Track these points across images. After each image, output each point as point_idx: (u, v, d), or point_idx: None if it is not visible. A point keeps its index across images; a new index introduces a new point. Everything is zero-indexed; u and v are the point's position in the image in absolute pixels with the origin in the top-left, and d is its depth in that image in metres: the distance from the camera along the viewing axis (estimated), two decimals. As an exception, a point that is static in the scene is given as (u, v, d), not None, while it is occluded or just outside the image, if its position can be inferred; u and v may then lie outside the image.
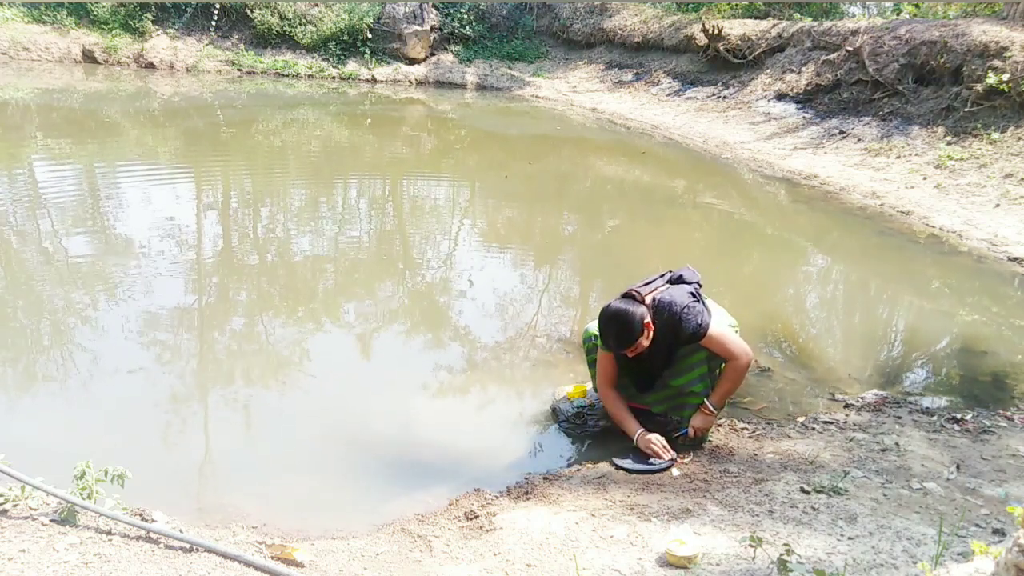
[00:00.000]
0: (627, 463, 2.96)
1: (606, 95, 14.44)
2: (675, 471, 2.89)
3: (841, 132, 9.90)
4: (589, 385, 3.44)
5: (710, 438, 3.13)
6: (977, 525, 2.45)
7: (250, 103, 12.69)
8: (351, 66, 15.73)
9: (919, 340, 4.76)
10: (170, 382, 3.58)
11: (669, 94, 13.62)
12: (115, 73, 14.27)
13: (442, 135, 11.59)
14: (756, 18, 13.73)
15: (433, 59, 16.50)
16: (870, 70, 10.13)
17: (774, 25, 12.82)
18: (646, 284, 3.10)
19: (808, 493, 2.64)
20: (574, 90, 15.09)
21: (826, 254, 6.62)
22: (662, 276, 3.19)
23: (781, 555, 2.09)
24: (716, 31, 13.25)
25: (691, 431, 3.07)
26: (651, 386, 3.15)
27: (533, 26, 17.57)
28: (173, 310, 4.37)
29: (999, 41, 8.76)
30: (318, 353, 4.02)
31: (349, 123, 11.78)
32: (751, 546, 2.18)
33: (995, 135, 8.18)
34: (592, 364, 3.31)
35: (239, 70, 15.16)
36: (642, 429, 3.03)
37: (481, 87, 15.96)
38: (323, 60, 15.71)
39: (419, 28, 16.03)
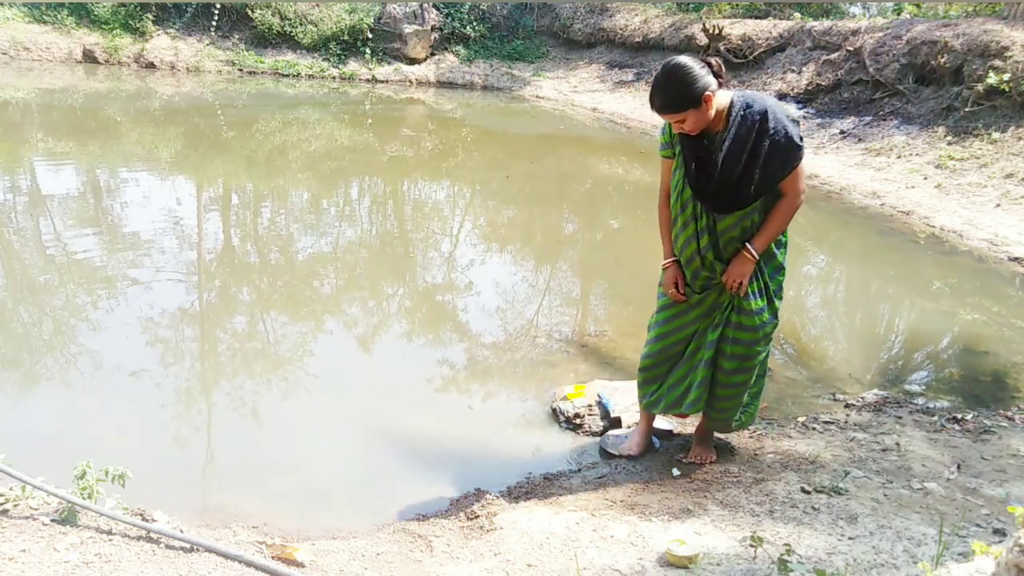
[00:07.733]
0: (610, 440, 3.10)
1: (607, 95, 14.44)
2: (675, 471, 2.89)
3: (842, 132, 9.90)
4: (589, 385, 3.44)
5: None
6: (978, 525, 2.45)
7: (251, 103, 12.68)
8: (352, 66, 15.73)
9: (920, 340, 4.76)
10: (171, 382, 3.58)
11: (670, 94, 13.59)
12: (116, 73, 14.26)
13: (443, 135, 11.58)
14: (756, 18, 13.72)
15: (434, 59, 16.50)
16: (871, 70, 10.13)
17: (775, 25, 12.81)
18: None
19: (808, 493, 2.64)
20: (575, 90, 15.09)
21: (827, 254, 6.62)
22: None
23: (781, 555, 2.09)
24: (717, 31, 13.24)
25: (729, 282, 2.62)
26: (709, 195, 2.54)
27: (534, 26, 17.56)
28: (174, 310, 4.37)
29: (1000, 41, 8.76)
30: (319, 353, 4.02)
31: (350, 123, 11.78)
32: (752, 546, 2.18)
33: (996, 135, 8.18)
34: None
35: (240, 70, 15.15)
36: (673, 259, 2.75)
37: (482, 87, 15.96)
38: (324, 60, 15.70)
39: (420, 28, 16.03)
